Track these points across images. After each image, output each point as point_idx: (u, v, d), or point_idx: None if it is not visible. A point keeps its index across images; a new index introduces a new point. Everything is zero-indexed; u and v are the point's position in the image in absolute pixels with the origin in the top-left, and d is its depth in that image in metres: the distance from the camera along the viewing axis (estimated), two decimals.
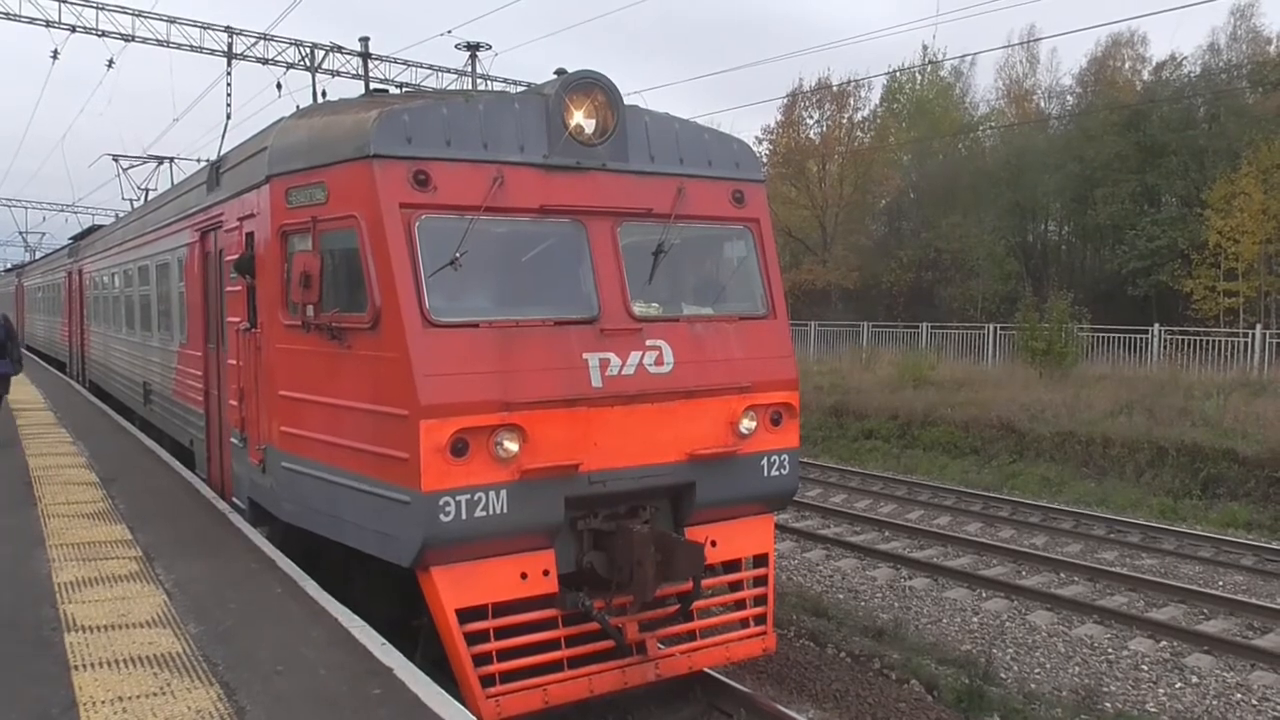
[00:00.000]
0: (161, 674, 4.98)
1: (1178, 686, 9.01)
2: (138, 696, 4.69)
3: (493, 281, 6.69)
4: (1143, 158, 38.26)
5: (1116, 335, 26.12)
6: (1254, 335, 23.90)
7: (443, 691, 4.91)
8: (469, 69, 21.76)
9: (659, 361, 6.74)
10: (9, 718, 4.51)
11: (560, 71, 7.00)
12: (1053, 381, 22.91)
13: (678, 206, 7.08)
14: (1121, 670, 9.37)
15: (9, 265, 56.85)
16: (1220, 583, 12.04)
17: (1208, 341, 24.63)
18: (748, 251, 7.66)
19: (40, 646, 5.37)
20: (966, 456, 19.72)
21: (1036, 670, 9.46)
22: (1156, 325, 25.78)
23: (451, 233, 6.16)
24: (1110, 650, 9.81)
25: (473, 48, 20.28)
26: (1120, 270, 38.37)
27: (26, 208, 53.50)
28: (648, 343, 6.73)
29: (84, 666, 5.06)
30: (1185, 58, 41.73)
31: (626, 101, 7.04)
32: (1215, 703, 8.69)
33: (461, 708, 4.80)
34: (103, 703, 4.61)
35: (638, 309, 6.83)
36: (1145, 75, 44.35)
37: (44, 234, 55.07)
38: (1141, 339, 25.47)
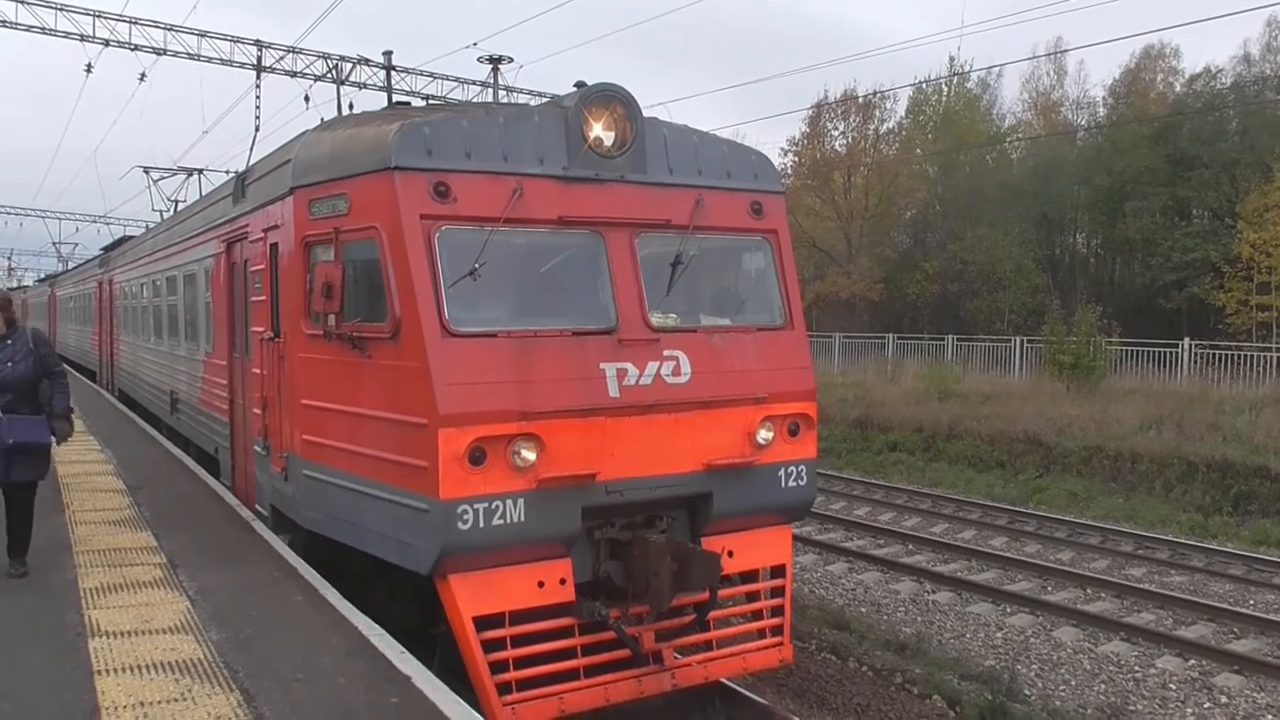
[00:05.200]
0: (183, 680, 5.04)
1: (1206, 706, 8.86)
2: (159, 702, 4.75)
3: (511, 292, 6.73)
4: (1173, 170, 37.82)
5: (1146, 349, 25.79)
6: None
7: (460, 699, 4.93)
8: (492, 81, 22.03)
9: (676, 372, 6.75)
10: None
11: (580, 84, 7.05)
12: (1080, 395, 22.64)
13: (696, 218, 7.10)
14: (1149, 689, 9.22)
15: (43, 275, 57.90)
16: (1251, 601, 11.84)
17: (1239, 356, 24.25)
18: (766, 263, 7.67)
19: (65, 651, 5.44)
20: (992, 470, 19.54)
21: (1061, 687, 9.34)
22: (1187, 339, 25.41)
23: (471, 244, 6.22)
24: (1137, 668, 9.66)
25: (495, 61, 20.51)
26: (1152, 284, 37.91)
27: (60, 219, 54.45)
28: (665, 353, 6.75)
29: (107, 671, 5.12)
30: (1220, 70, 41.20)
31: (648, 113, 7.08)
32: None
33: (478, 716, 4.82)
34: (125, 707, 4.67)
35: (655, 320, 6.85)
36: (1178, 88, 43.82)
37: (76, 245, 56.18)
38: (1171, 353, 25.13)
